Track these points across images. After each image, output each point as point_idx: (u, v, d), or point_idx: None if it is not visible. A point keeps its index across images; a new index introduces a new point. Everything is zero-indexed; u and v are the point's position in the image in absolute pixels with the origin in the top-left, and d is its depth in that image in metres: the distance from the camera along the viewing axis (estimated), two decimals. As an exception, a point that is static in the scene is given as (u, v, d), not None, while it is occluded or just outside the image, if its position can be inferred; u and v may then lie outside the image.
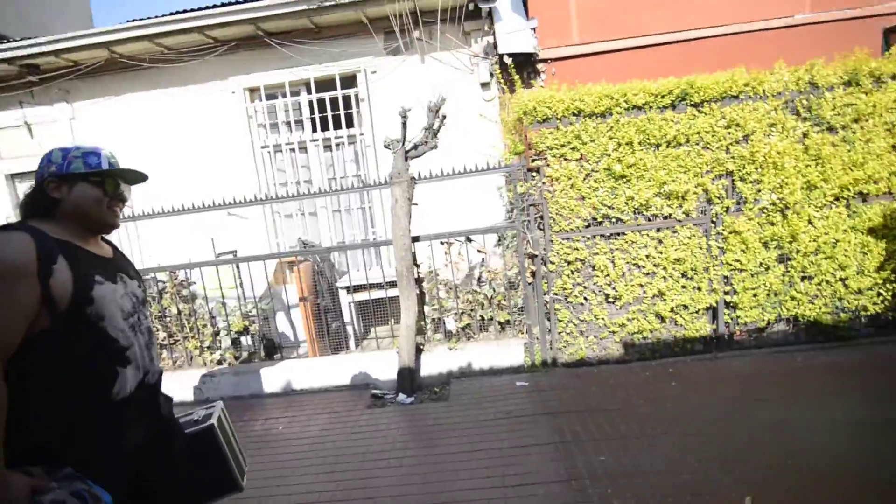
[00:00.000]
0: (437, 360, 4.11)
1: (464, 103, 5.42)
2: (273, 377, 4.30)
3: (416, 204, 3.93)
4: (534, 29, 5.45)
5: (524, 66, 5.59)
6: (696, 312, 3.90)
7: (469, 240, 4.08)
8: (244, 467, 1.57)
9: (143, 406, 1.34)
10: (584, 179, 3.75)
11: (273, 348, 4.83)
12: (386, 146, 3.60)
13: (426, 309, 4.34)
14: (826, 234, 3.72)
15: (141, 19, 5.33)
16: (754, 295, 3.84)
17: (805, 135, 3.68)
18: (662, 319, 3.90)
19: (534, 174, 3.83)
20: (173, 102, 5.91)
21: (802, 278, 3.83)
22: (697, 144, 3.68)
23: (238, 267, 4.49)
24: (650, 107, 3.66)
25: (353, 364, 4.24)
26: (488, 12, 5.13)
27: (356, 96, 5.75)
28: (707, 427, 2.92)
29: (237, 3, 5.26)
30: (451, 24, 5.58)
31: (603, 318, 3.91)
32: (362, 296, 4.76)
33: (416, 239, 3.96)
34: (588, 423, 3.09)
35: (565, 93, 3.69)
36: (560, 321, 3.96)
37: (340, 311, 5.12)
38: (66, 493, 1.10)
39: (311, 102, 5.80)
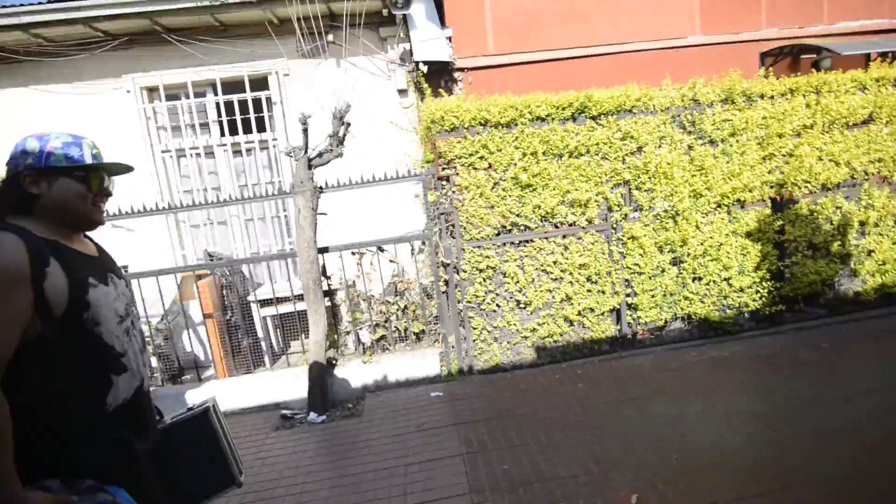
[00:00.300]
0: (352, 375, 3.97)
1: (381, 109, 5.33)
2: (171, 405, 3.93)
3: (325, 213, 3.79)
4: (449, 38, 5.49)
5: (441, 74, 5.62)
6: (602, 314, 4.08)
7: (381, 249, 3.99)
8: (241, 465, 1.49)
9: (140, 414, 1.27)
10: (493, 188, 3.81)
11: (180, 371, 4.44)
12: (287, 154, 3.43)
13: (344, 321, 4.19)
14: (711, 238, 4.04)
15: (12, 5, 4.73)
16: (652, 296, 4.08)
17: (690, 147, 3.98)
18: (571, 323, 4.04)
19: (444, 183, 3.83)
20: (56, 101, 5.30)
21: (693, 279, 4.13)
22: (597, 155, 3.87)
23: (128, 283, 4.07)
24: (553, 118, 3.79)
25: (262, 384, 3.99)
26: (403, 19, 5.09)
27: (268, 99, 5.48)
28: (607, 427, 3.03)
29: (130, -6, 4.82)
30: (367, 29, 5.48)
31: (515, 324, 3.98)
32: (275, 309, 4.50)
33: (325, 250, 3.81)
34: (496, 432, 3.10)
35: (472, 103, 3.72)
36: (474, 329, 3.97)
37: (254, 326, 4.83)
38: (97, 502, 1.07)
39: (218, 104, 5.45)
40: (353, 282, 4.09)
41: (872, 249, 4.32)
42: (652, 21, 6.07)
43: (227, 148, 5.53)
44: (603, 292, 4.03)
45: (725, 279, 4.15)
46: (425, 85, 4.56)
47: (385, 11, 5.06)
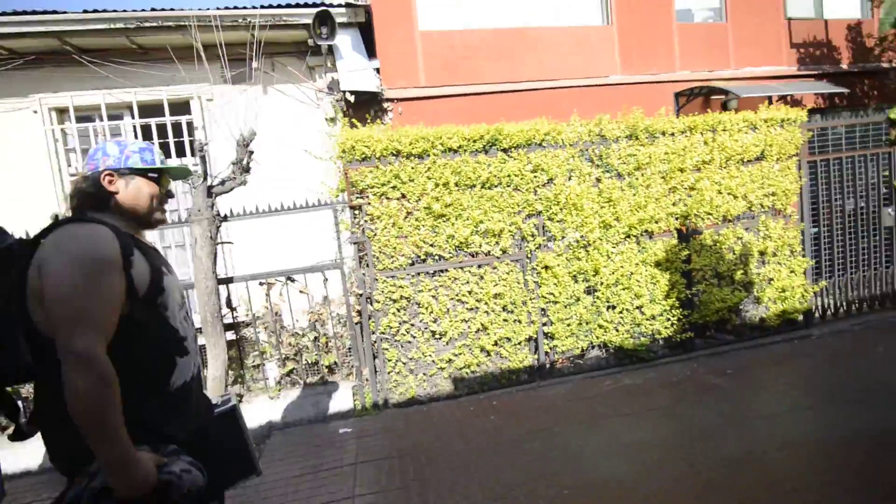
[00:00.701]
0: (258, 412, 3.74)
1: (309, 137, 5.28)
2: (35, 454, 3.56)
3: (231, 242, 3.64)
4: (377, 69, 5.57)
5: (371, 104, 5.66)
6: (518, 344, 4.07)
7: (291, 279, 3.85)
8: (257, 454, 1.62)
9: (195, 396, 1.38)
10: (406, 218, 3.79)
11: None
12: (185, 181, 3.29)
13: (252, 354, 3.98)
14: (622, 267, 4.16)
15: None
16: (568, 325, 4.12)
17: (599, 180, 4.13)
18: (488, 353, 4.01)
19: (356, 212, 3.77)
20: (-48, 119, 4.95)
21: (608, 307, 4.21)
22: (509, 186, 3.94)
23: None
24: (465, 150, 3.84)
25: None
26: (329, 49, 5.12)
27: (189, 124, 5.32)
28: (511, 461, 2.96)
29: (37, 12, 4.62)
30: (295, 57, 5.48)
31: (431, 355, 3.90)
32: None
33: (229, 280, 3.64)
34: (395, 470, 2.97)
35: (383, 133, 3.73)
36: (389, 360, 3.86)
37: None
38: (185, 463, 1.19)
39: (135, 128, 5.23)
40: (263, 313, 3.91)
41: (772, 277, 4.57)
42: (576, 60, 6.40)
43: (143, 173, 5.28)
44: (519, 321, 4.03)
45: (638, 307, 4.25)
46: (339, 115, 4.56)
47: (311, 41, 5.08)
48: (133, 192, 1.34)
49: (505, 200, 3.92)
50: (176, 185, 5.34)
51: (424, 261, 3.86)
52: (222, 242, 3.46)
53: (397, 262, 3.80)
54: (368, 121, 4.45)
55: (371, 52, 5.75)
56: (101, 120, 5.19)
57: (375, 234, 3.76)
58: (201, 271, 3.31)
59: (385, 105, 5.72)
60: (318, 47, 5.16)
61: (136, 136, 5.25)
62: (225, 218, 3.54)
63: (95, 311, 1.12)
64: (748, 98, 6.26)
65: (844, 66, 7.14)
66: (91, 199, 1.31)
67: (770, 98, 6.59)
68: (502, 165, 3.90)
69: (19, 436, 1.28)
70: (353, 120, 5.21)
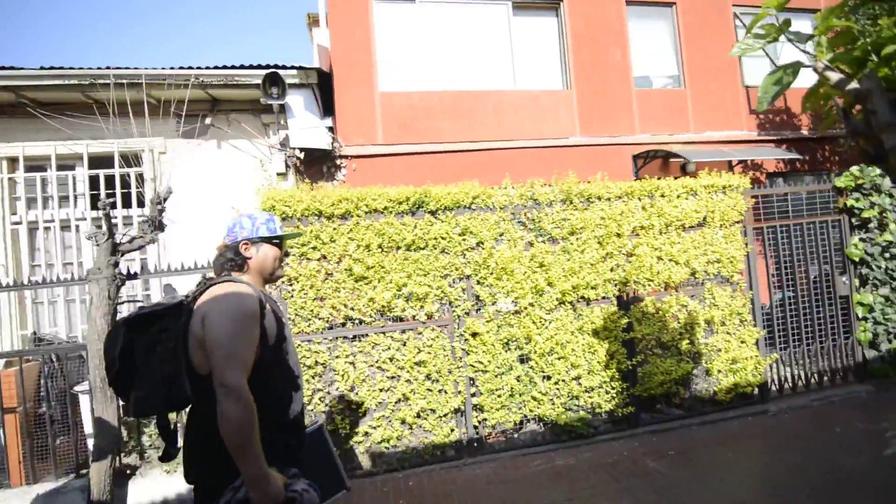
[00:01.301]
0: (152, 488, 3.44)
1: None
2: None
3: (138, 301, 3.49)
4: (330, 127, 5.66)
5: (324, 161, 5.71)
6: (444, 416, 3.81)
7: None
8: (344, 471, 1.79)
9: (303, 425, 1.64)
10: (325, 280, 3.66)
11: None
12: (88, 238, 3.21)
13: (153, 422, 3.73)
14: (557, 334, 3.96)
15: None
16: (498, 396, 3.87)
17: (531, 244, 4.02)
18: (409, 426, 3.74)
19: (274, 272, 3.65)
20: None
21: (543, 378, 3.97)
22: (436, 249, 3.83)
23: None
24: (390, 211, 3.77)
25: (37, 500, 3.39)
26: (281, 108, 5.23)
27: (139, 176, 5.34)
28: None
29: (-4, 68, 4.77)
30: (249, 114, 5.59)
31: (345, 428, 3.63)
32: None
33: (133, 341, 3.45)
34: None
35: (305, 193, 3.68)
36: (301, 432, 3.59)
37: (79, 422, 4.24)
38: (305, 483, 1.43)
39: (86, 178, 5.26)
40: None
41: (721, 348, 4.35)
42: (535, 122, 6.50)
43: (87, 223, 5.26)
44: (444, 391, 3.79)
45: (575, 378, 4.01)
46: (269, 172, 4.55)
47: (263, 100, 5.19)
48: (262, 256, 1.68)
49: (431, 263, 3.80)
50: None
51: (344, 324, 3.69)
52: (126, 301, 3.32)
53: (314, 326, 3.63)
54: (302, 180, 4.42)
55: (329, 110, 5.87)
56: (52, 170, 5.23)
57: (292, 296, 3.61)
58: (94, 332, 3.15)
59: (339, 162, 5.77)
60: (270, 105, 5.27)
61: (83, 188, 5.27)
62: (134, 276, 3.43)
63: (242, 353, 1.40)
64: (711, 161, 6.29)
65: (805, 132, 7.23)
66: (232, 263, 1.64)
67: (730, 163, 6.64)
68: (429, 228, 3.81)
69: (168, 457, 1.54)
70: (312, 174, 5.23)
